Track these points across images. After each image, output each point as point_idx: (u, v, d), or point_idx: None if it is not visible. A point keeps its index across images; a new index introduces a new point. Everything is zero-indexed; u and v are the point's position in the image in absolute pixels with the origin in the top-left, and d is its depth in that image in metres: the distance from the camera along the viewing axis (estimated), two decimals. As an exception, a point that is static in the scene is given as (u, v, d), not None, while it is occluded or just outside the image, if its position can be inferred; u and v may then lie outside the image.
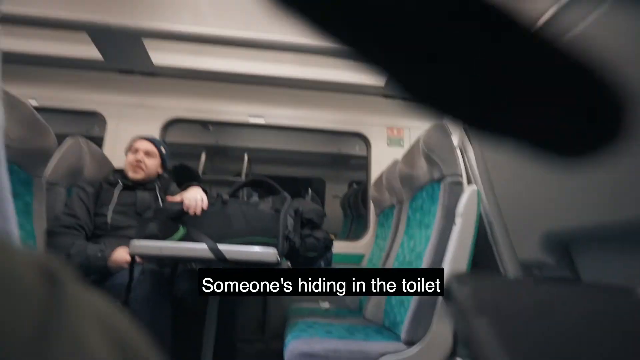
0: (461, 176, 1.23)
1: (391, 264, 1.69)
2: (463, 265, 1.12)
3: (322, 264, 1.70)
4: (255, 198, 2.09)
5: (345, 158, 3.78)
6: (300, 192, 3.73)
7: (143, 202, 1.64)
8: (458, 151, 1.29)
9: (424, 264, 1.24)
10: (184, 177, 2.46)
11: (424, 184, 1.47)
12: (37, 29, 1.80)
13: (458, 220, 1.15)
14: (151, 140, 1.76)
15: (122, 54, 1.95)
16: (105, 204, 1.60)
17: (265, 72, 2.10)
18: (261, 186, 1.69)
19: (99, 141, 2.14)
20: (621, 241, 0.72)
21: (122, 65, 2.09)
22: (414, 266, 1.40)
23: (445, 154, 1.29)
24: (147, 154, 1.71)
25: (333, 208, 3.83)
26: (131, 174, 1.68)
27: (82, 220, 1.53)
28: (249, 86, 2.25)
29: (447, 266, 1.12)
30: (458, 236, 1.14)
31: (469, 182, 1.28)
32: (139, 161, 1.68)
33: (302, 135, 3.35)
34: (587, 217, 0.75)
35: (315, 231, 1.51)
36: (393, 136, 2.37)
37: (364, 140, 2.37)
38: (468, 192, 1.16)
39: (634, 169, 0.58)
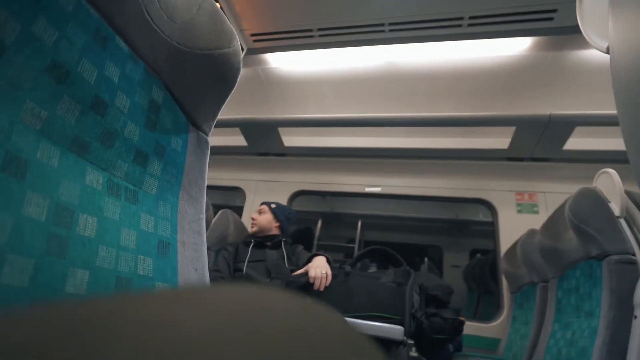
0: (634, 254, 1.00)
1: (541, 356, 1.40)
2: (658, 374, 0.85)
3: (451, 348, 1.52)
4: (373, 268, 2.07)
5: (465, 224, 3.49)
6: (415, 260, 3.54)
7: (271, 259, 1.86)
8: (623, 222, 1.07)
9: (593, 365, 0.99)
10: (304, 239, 2.69)
11: (576, 260, 1.24)
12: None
13: None
14: (265, 202, 2.07)
15: (262, 140, 2.37)
16: (241, 260, 1.87)
17: (381, 145, 2.23)
18: (381, 256, 1.68)
19: (239, 210, 2.53)
20: None
21: (260, 149, 2.52)
22: (575, 365, 1.13)
23: (603, 226, 1.08)
24: (259, 212, 2.01)
25: (452, 279, 3.47)
26: (249, 231, 2.03)
27: (224, 274, 1.81)
28: (366, 159, 2.40)
29: (631, 373, 0.87)
30: (642, 333, 0.89)
31: (648, 262, 1.02)
32: (253, 219, 2.00)
33: (416, 201, 3.28)
34: None
35: (442, 310, 1.38)
36: (524, 202, 2.11)
37: (489, 207, 2.18)
38: (649, 276, 0.92)
39: None
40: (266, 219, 1.98)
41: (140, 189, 0.49)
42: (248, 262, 1.84)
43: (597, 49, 0.54)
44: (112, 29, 0.44)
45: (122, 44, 0.46)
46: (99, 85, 0.41)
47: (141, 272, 0.44)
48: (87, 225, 0.38)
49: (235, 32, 0.62)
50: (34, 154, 0.33)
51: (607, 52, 0.51)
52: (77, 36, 0.38)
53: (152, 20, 0.49)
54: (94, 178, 0.41)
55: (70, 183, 0.37)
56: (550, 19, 1.56)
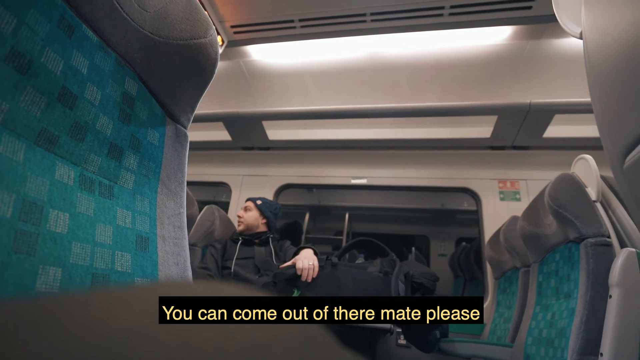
0: (609, 237, 1.04)
1: (523, 338, 1.44)
2: (633, 349, 0.89)
3: (438, 334, 1.55)
4: (361, 259, 2.10)
5: (451, 213, 3.56)
6: (403, 250, 3.59)
7: (260, 256, 1.84)
8: (599, 206, 1.10)
9: (572, 343, 1.03)
10: (293, 233, 2.68)
11: (556, 244, 1.28)
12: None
13: (614, 291, 0.94)
14: (250, 198, 2.03)
15: (246, 134, 2.34)
16: (229, 258, 1.84)
17: (365, 137, 2.23)
18: (368, 247, 1.70)
19: (225, 205, 2.51)
20: None
21: (245, 143, 2.49)
22: (555, 345, 1.17)
23: (580, 210, 1.12)
24: (245, 209, 1.97)
25: (439, 267, 3.55)
26: (237, 229, 1.99)
27: (212, 272, 1.78)
28: (351, 151, 2.40)
29: (606, 350, 0.91)
30: (617, 312, 0.93)
31: (623, 244, 1.06)
32: (239, 216, 1.96)
33: (403, 192, 3.32)
34: None
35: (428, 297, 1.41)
36: (506, 189, 2.16)
37: (473, 195, 2.22)
38: (624, 256, 0.96)
39: None
40: (253, 217, 1.96)
41: (116, 183, 0.47)
42: (236, 259, 1.82)
43: (571, 34, 0.55)
44: (78, 17, 0.42)
45: (90, 33, 0.44)
46: (67, 77, 0.39)
47: (119, 268, 0.43)
48: (58, 221, 0.36)
49: (211, 22, 0.60)
50: None
51: (581, 38, 0.52)
52: (39, 24, 0.36)
53: (121, 8, 0.47)
54: (65, 173, 0.39)
55: (38, 178, 0.36)
56: (529, 7, 1.58)
